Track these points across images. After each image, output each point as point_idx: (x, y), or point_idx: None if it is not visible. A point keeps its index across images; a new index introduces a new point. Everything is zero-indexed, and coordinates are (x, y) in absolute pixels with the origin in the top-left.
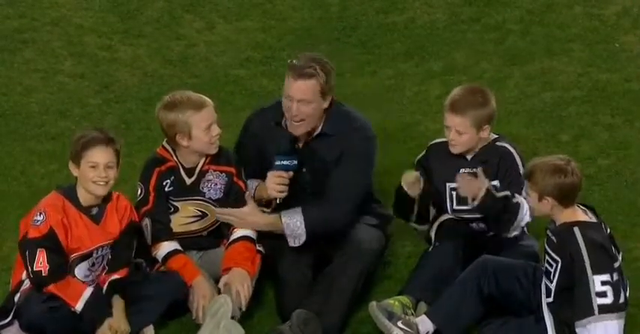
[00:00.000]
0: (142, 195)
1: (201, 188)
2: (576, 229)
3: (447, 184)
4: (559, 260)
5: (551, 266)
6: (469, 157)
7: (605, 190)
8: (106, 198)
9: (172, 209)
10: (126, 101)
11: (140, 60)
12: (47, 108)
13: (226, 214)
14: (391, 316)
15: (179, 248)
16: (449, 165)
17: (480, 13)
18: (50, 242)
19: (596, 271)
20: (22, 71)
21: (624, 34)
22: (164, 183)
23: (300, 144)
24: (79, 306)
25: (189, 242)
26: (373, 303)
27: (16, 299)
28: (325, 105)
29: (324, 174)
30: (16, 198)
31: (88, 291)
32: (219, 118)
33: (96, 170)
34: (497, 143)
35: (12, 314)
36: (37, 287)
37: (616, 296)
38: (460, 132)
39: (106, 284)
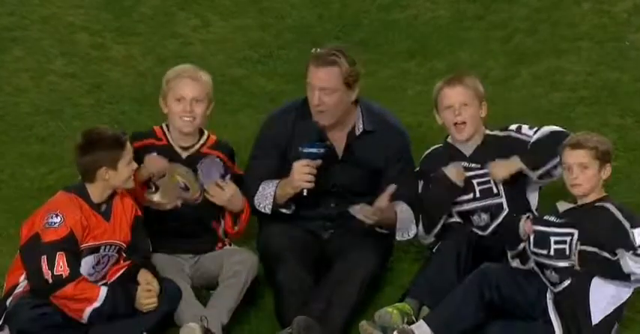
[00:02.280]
0: None
1: (197, 167)
2: (609, 204)
3: None
4: (573, 232)
5: (564, 242)
6: (467, 153)
7: (614, 194)
8: (112, 195)
9: (154, 188)
10: (119, 101)
11: (133, 59)
12: (37, 108)
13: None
14: (384, 330)
15: None
16: (447, 161)
17: (485, 11)
18: (69, 244)
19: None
20: (11, 70)
21: (634, 31)
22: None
23: (343, 146)
24: (88, 312)
25: (184, 245)
26: (363, 322)
27: (7, 303)
28: (352, 97)
29: (361, 175)
30: (4, 202)
31: (103, 292)
32: (215, 119)
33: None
34: (492, 132)
35: (3, 319)
36: (52, 290)
37: None
38: (466, 105)
39: (128, 267)
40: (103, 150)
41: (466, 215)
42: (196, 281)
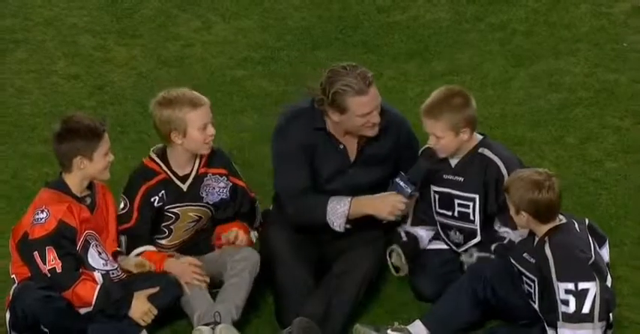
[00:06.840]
0: (124, 211)
1: (200, 193)
2: (546, 246)
3: (432, 187)
4: (535, 278)
5: (530, 286)
6: (453, 163)
7: (612, 195)
8: (90, 187)
9: (173, 218)
10: (121, 103)
11: (135, 60)
12: (40, 109)
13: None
14: (378, 329)
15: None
16: (434, 169)
17: (485, 12)
18: (58, 236)
19: (561, 279)
20: (14, 72)
21: (633, 33)
22: (152, 200)
23: (355, 150)
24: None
25: (185, 248)
26: (357, 325)
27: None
28: None
29: (374, 174)
30: (6, 203)
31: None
32: (216, 120)
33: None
34: (480, 150)
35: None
36: (57, 284)
37: (579, 306)
38: (437, 137)
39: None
40: (80, 140)
41: (444, 228)
42: None
